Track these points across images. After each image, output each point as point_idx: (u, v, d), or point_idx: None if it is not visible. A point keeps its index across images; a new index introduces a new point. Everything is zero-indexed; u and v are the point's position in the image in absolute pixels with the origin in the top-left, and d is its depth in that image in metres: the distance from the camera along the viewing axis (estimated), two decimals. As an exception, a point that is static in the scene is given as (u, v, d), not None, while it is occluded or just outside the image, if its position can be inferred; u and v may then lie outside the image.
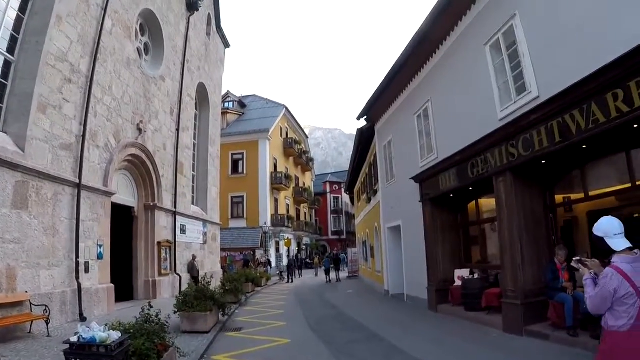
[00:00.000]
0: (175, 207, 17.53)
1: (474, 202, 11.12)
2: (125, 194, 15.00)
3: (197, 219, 20.38)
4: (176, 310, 9.12)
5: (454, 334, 8.47)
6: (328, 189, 59.46)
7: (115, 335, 4.65)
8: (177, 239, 17.43)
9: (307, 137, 52.38)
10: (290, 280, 27.67)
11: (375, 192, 18.00)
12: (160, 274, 15.78)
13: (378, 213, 17.51)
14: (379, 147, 16.88)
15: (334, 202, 60.24)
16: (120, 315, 11.66)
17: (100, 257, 12.23)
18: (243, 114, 42.49)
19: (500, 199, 8.64)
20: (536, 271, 8.13)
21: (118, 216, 14.46)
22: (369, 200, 20.31)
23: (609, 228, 3.11)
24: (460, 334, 8.41)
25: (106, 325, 4.79)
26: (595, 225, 3.21)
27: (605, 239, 3.12)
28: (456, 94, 10.53)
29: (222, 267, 25.70)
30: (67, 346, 4.55)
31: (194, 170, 21.98)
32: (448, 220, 11.71)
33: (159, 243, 15.83)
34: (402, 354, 7.02)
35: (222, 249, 27.56)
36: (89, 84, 11.93)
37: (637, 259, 3.00)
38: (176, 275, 17.00)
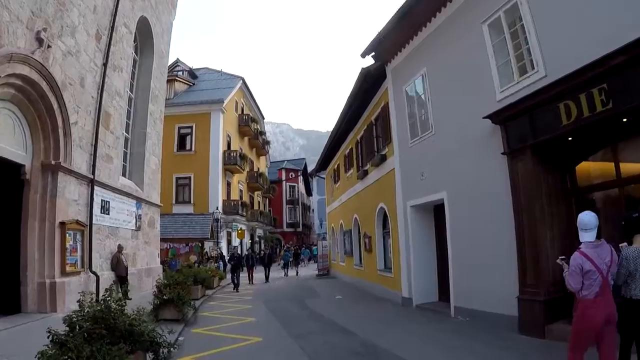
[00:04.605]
0: (94, 173, 11.83)
1: (606, 150, 6.67)
2: (9, 142, 9.28)
3: (128, 195, 14.66)
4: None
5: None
6: (284, 177, 54.33)
7: None
8: (94, 221, 11.73)
9: (263, 118, 46.83)
10: (235, 288, 17.81)
11: (382, 159, 13.08)
12: (64, 273, 10.15)
13: (386, 189, 12.73)
14: (394, 93, 11.99)
15: (290, 191, 55.14)
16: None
17: None
18: (194, 84, 36.51)
19: None
20: None
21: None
22: (363, 174, 15.33)
23: (581, 224, 4.21)
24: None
25: None
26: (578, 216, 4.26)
27: (579, 230, 4.24)
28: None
29: (163, 262, 20.04)
30: None
31: (127, 132, 16.24)
32: (555, 184, 7.15)
33: (63, 224, 10.18)
34: None
35: (163, 239, 21.82)
36: None
37: (599, 245, 4.13)
38: (91, 275, 11.36)
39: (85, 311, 4.37)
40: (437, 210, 10.50)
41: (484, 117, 7.66)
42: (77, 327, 4.21)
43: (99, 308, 4.36)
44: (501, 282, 7.49)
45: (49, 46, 9.78)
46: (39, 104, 9.88)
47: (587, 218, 4.17)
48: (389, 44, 11.53)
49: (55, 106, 10.20)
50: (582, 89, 5.96)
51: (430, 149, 10.09)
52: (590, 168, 7.11)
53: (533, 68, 7.05)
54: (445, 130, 9.51)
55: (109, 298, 4.57)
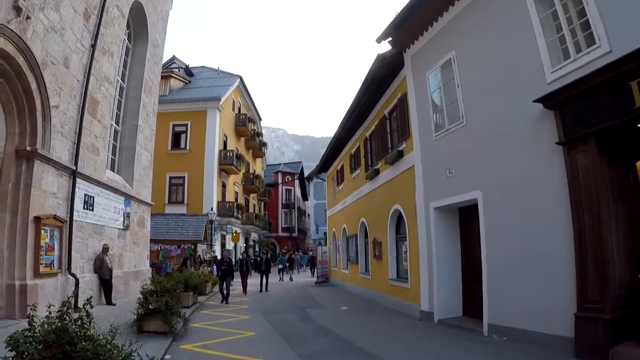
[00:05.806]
0: (77, 164, 10.59)
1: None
2: (-25, 124, 8.10)
3: (115, 190, 13.39)
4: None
5: None
6: (280, 180, 53.05)
7: None
8: (76, 217, 10.48)
9: (260, 119, 45.59)
10: (224, 300, 14.77)
11: (398, 155, 11.85)
12: (37, 274, 8.88)
13: (402, 189, 11.57)
14: (415, 82, 10.81)
15: (286, 195, 53.86)
16: None
17: None
18: (190, 82, 35.25)
19: None
20: None
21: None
22: (373, 174, 14.08)
23: None
24: None
25: None
26: None
27: None
28: None
29: (153, 265, 18.74)
30: None
31: (117, 124, 15.04)
32: (618, 180, 6.05)
33: (37, 219, 8.94)
34: None
35: (154, 241, 20.54)
36: None
37: None
38: (69, 277, 10.09)
39: (37, 330, 3.15)
40: (464, 212, 9.32)
41: (534, 101, 6.50)
42: (25, 353, 3.00)
43: (53, 328, 3.13)
44: (551, 297, 6.33)
45: (28, 17, 8.59)
46: (15, 82, 8.71)
47: None
48: (409, 27, 10.36)
49: (34, 86, 9.01)
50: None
51: (460, 142, 8.89)
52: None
53: (594, 43, 5.93)
54: (480, 119, 8.33)
55: (65, 315, 3.33)
